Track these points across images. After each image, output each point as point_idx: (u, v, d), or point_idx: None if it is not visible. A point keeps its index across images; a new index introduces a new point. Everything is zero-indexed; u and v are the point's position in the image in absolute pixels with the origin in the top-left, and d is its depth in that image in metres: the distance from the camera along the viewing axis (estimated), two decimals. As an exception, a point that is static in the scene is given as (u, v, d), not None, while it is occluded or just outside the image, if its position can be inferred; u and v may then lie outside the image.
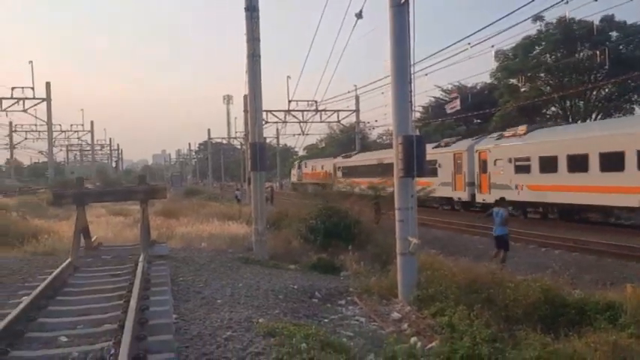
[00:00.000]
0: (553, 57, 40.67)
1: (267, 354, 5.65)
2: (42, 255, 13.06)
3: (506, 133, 26.44)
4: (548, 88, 42.46)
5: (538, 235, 18.69)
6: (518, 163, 23.96)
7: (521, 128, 25.33)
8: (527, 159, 23.36)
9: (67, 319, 6.86)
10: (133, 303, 6.62)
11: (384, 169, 28.75)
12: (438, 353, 6.54)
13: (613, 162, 18.81)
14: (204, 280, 9.91)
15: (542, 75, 42.38)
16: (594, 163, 19.73)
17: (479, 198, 26.46)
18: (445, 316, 7.72)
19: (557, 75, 41.79)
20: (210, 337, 6.26)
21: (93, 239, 12.97)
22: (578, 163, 20.54)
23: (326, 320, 8.19)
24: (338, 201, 18.50)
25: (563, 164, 21.25)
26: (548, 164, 21.99)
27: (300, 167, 60.54)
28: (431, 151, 27.63)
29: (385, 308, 9.11)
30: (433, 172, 28.28)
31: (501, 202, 14.56)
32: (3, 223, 18.10)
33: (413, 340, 7.33)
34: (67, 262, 10.30)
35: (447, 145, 30.86)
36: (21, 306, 6.80)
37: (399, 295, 9.45)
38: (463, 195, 27.58)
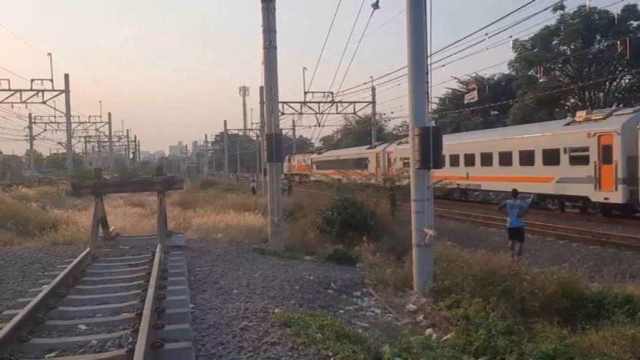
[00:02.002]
0: (572, 47, 40.00)
1: (282, 344, 5.68)
2: (61, 245, 13.24)
3: (402, 140, 36.89)
4: (567, 79, 41.80)
5: (556, 227, 18.48)
6: (404, 161, 32.19)
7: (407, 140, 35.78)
8: (408, 158, 30.08)
9: (86, 308, 6.96)
10: (150, 292, 6.69)
11: (341, 164, 40.36)
12: (454, 345, 6.54)
13: (453, 160, 28.61)
14: (221, 271, 9.98)
15: (560, 66, 41.74)
16: (460, 162, 28.63)
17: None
18: (461, 308, 7.70)
19: (577, 66, 41.12)
20: (226, 326, 6.31)
21: (111, 229, 13.12)
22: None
23: (341, 311, 8.22)
24: (353, 193, 18.49)
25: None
26: None
27: (289, 160, 67.85)
28: (365, 151, 42.86)
29: (401, 300, 9.11)
30: (365, 166, 38.49)
31: (515, 193, 14.32)
32: (23, 214, 18.40)
33: (428, 331, 7.34)
34: (86, 251, 10.44)
35: (374, 147, 41.72)
36: (41, 294, 6.91)
37: (415, 286, 9.44)
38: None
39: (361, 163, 40.66)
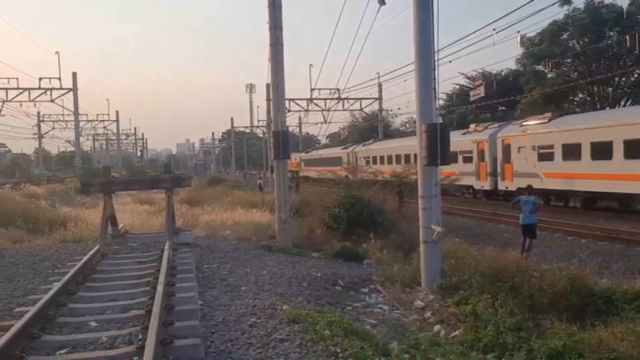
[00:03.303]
0: (581, 42, 39.70)
1: (291, 340, 5.70)
2: (70, 242, 13.34)
3: (367, 142, 46.23)
4: (576, 74, 41.51)
5: (565, 223, 18.41)
6: (366, 160, 41.59)
7: (370, 141, 46.47)
8: (368, 157, 42.30)
9: (96, 305, 7.01)
10: (159, 289, 6.72)
11: (323, 161, 51.44)
12: (462, 341, 6.54)
13: (398, 159, 36.09)
14: (229, 268, 10.02)
15: (569, 61, 41.44)
16: (392, 160, 36.43)
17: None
18: (469, 304, 7.69)
19: (585, 61, 40.81)
20: (234, 323, 6.34)
21: (119, 227, 13.19)
22: (388, 160, 37.55)
23: (349, 308, 8.23)
24: (360, 189, 18.50)
25: (386, 160, 38.17)
26: (374, 160, 39.86)
27: None
28: (340, 151, 51.25)
29: (408, 296, 9.12)
30: (340, 164, 44.30)
31: (529, 189, 14.24)
32: (33, 212, 18.54)
33: (436, 328, 7.34)
34: (95, 249, 10.50)
35: (347, 148, 50.42)
36: (52, 292, 6.96)
37: (423, 283, 9.44)
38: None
39: (337, 161, 47.45)
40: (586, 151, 20.77)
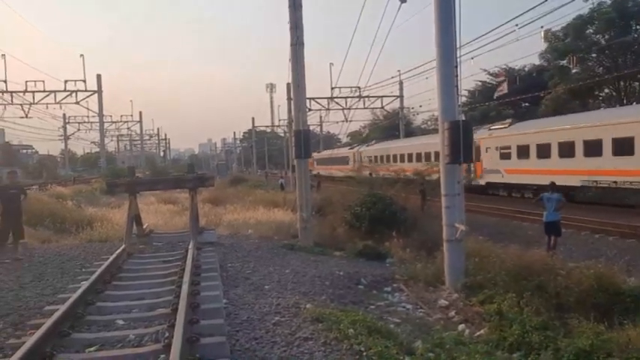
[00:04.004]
0: (606, 37, 38.93)
1: (315, 339, 5.72)
2: (97, 242, 13.55)
3: (370, 143, 51.45)
4: (601, 69, 40.72)
5: (591, 221, 18.09)
6: (369, 158, 45.41)
7: (371, 143, 51.28)
8: (370, 157, 45.84)
9: (123, 303, 7.13)
10: (184, 288, 6.81)
11: (333, 160, 57.14)
12: (487, 341, 6.49)
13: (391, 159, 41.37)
14: (252, 267, 10.09)
15: (594, 56, 40.67)
16: (390, 159, 40.67)
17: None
18: (494, 303, 7.62)
19: (611, 55, 40.01)
20: (259, 322, 6.39)
21: (144, 226, 13.36)
22: (387, 159, 41.61)
23: (372, 307, 8.22)
24: (382, 188, 18.44)
25: (385, 159, 42.69)
26: (375, 159, 43.81)
27: None
28: (347, 151, 55.78)
29: (432, 295, 9.08)
30: (347, 163, 50.21)
31: (553, 186, 14.01)
32: (60, 212, 18.87)
33: (461, 327, 7.30)
34: (121, 248, 10.67)
35: (353, 148, 55.02)
36: (80, 290, 7.09)
37: (446, 282, 9.38)
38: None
39: (344, 159, 52.07)
40: (533, 151, 25.59)
